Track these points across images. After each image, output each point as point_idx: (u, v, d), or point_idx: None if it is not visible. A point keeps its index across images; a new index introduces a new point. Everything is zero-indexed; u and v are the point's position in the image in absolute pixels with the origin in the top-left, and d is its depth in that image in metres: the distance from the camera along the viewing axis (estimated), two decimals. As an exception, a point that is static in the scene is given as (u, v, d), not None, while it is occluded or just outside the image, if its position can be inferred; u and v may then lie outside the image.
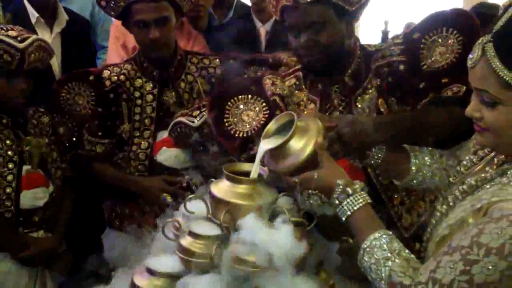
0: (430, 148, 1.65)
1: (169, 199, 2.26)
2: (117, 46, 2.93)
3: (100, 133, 2.40)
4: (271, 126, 1.58)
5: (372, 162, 1.64)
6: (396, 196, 1.88)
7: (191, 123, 2.25)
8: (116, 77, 2.41)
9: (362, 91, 1.89)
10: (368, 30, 4.98)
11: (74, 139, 2.40)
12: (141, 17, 2.27)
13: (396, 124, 1.66)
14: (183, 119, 2.28)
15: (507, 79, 1.16)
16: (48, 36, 2.91)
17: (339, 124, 1.57)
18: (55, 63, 2.88)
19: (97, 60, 3.24)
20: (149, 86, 2.43)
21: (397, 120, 1.71)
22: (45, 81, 2.48)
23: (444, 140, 1.63)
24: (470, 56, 1.23)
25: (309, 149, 1.49)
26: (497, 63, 1.17)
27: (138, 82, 2.42)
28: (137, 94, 2.42)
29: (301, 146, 1.50)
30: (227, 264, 1.43)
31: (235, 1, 3.46)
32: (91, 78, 2.40)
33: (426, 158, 1.62)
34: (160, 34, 2.28)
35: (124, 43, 2.91)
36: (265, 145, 1.54)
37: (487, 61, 1.18)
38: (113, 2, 2.28)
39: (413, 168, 1.61)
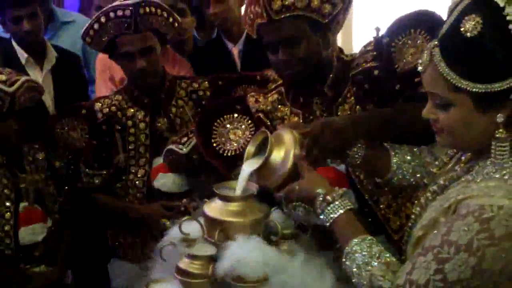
0: (409, 146, 1.69)
1: (168, 224, 2.26)
2: (104, 79, 3.00)
3: (96, 165, 2.46)
4: (250, 147, 1.64)
5: (353, 161, 1.66)
6: (382, 199, 1.91)
7: (180, 151, 2.31)
8: (107, 109, 2.47)
9: (342, 100, 1.93)
10: (360, 38, 5.02)
11: (70, 172, 2.45)
12: (126, 49, 2.34)
13: (371, 120, 1.70)
14: (173, 146, 2.34)
15: (454, 82, 1.20)
16: (39, 74, 2.96)
17: (313, 128, 1.60)
18: (48, 99, 2.94)
19: (92, 94, 3.27)
20: (141, 115, 2.49)
21: (372, 116, 1.75)
22: (39, 117, 2.55)
23: (422, 137, 1.64)
24: (419, 61, 1.27)
25: (288, 163, 1.54)
26: (444, 68, 1.21)
27: (130, 111, 2.49)
28: (129, 123, 2.48)
29: (280, 161, 1.56)
30: (224, 282, 1.48)
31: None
32: (83, 112, 2.46)
33: (406, 155, 1.66)
34: (146, 64, 2.35)
35: (111, 76, 2.97)
36: (247, 168, 1.60)
37: (434, 65, 1.22)
38: (97, 38, 2.36)
39: (394, 165, 1.65)
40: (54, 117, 2.53)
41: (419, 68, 1.27)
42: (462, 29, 1.18)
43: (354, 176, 1.90)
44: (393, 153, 1.67)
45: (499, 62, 1.16)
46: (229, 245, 1.50)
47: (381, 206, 1.91)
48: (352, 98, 1.92)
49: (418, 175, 1.65)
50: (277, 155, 1.57)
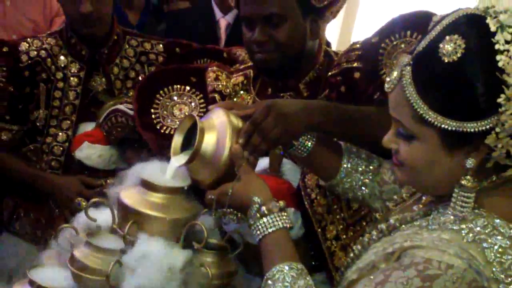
0: (369, 153, 1.66)
1: (84, 204, 2.24)
2: None
3: (8, 117, 2.40)
4: (177, 137, 1.59)
5: (297, 153, 1.62)
6: (331, 228, 1.88)
7: (131, 111, 2.25)
8: (35, 52, 2.42)
9: None
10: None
11: None
12: None
13: (329, 111, 1.63)
14: (121, 106, 2.29)
15: (421, 112, 1.16)
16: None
17: (255, 110, 1.54)
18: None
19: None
20: (75, 67, 2.45)
21: (331, 107, 1.68)
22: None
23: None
24: (388, 78, 1.23)
25: (222, 158, 1.50)
26: (412, 93, 1.17)
27: (62, 61, 2.44)
28: (59, 75, 2.43)
29: (213, 155, 1.51)
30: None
31: None
32: (4, 49, 2.40)
33: (361, 164, 1.64)
34: (93, 8, 2.29)
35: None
36: (174, 162, 1.56)
37: (402, 87, 1.18)
38: None
39: (343, 171, 1.63)
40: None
41: (386, 86, 1.23)
42: (440, 50, 1.15)
43: (305, 194, 1.87)
44: (346, 156, 1.64)
45: (478, 98, 1.13)
46: (138, 244, 1.47)
47: (328, 236, 1.88)
48: None
49: (366, 191, 1.63)
50: (208, 147, 1.52)
